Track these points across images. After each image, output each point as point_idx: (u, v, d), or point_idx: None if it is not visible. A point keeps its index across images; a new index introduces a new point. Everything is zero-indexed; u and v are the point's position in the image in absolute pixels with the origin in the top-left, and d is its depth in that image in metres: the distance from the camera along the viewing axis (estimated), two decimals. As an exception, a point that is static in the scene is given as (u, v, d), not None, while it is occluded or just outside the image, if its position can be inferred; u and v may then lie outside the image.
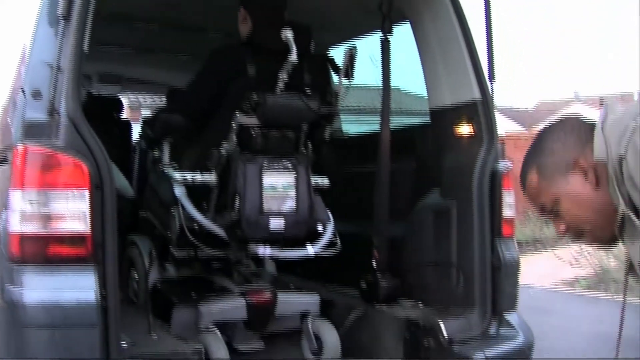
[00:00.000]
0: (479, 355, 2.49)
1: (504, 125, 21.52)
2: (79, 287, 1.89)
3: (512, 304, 2.80)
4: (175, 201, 2.69)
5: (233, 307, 2.66)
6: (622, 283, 6.73)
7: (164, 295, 2.77)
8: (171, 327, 2.55)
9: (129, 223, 3.64)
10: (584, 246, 7.67)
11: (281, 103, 2.63)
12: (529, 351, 2.74)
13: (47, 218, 1.91)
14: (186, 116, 2.76)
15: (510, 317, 2.78)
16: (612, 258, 7.13)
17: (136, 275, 3.16)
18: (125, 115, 5.38)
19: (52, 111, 1.95)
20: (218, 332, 2.47)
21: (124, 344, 2.16)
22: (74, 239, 1.93)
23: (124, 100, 5.53)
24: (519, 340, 2.71)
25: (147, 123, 3.11)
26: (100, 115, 4.51)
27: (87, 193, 1.93)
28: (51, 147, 1.93)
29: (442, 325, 2.53)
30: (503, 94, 46.05)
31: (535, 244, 9.34)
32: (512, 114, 27.51)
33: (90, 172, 1.94)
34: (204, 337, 2.46)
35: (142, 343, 2.32)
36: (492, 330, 2.71)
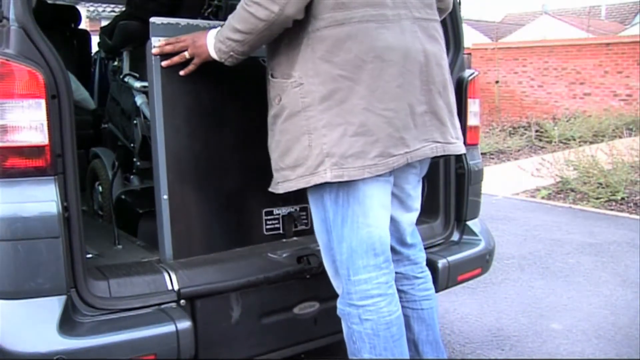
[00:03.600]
0: (441, 260, 2.56)
1: (471, 37, 21.37)
2: (39, 199, 1.86)
3: (475, 212, 2.86)
4: (137, 111, 2.64)
5: None
6: (580, 192, 6.87)
7: (129, 206, 2.75)
8: (137, 238, 2.55)
9: (92, 135, 3.58)
10: (545, 157, 7.81)
11: None
12: (490, 256, 2.83)
13: (2, 130, 1.85)
14: (144, 23, 2.67)
15: (473, 224, 2.85)
16: (572, 168, 7.30)
17: (100, 188, 3.13)
18: (84, 26, 5.18)
19: (1, 17, 1.85)
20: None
21: (89, 255, 2.16)
22: (32, 151, 1.87)
23: (83, 11, 5.32)
24: (481, 246, 2.79)
25: (105, 32, 3.01)
26: (56, 25, 4.35)
27: (43, 103, 1.86)
28: (3, 55, 1.85)
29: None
30: (471, 7, 45.59)
31: (499, 155, 9.48)
32: (480, 26, 27.27)
33: (46, 81, 1.86)
34: None
35: (108, 253, 2.33)
36: (455, 236, 2.78)
